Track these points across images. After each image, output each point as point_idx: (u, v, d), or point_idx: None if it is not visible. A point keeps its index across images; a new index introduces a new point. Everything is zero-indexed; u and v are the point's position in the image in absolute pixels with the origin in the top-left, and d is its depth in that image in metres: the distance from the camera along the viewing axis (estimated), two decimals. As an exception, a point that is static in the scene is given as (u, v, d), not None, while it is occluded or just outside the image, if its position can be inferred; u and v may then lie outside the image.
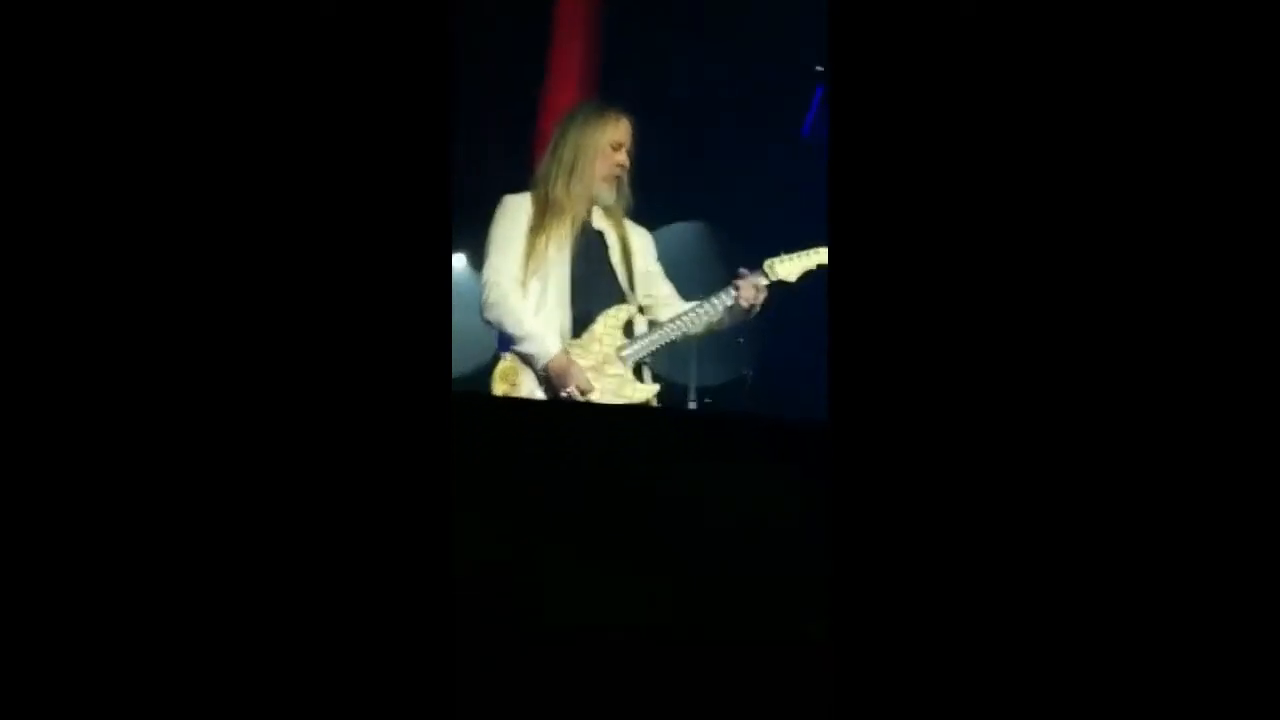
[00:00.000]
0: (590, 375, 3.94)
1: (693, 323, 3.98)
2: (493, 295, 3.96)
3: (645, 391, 4.00)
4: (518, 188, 4.11)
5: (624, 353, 3.98)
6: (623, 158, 4.00)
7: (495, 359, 4.00)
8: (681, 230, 5.35)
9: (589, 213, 4.05)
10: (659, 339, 4.00)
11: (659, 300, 4.10)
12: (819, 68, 3.58)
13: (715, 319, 3.98)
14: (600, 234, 4.07)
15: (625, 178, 4.03)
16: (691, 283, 4.54)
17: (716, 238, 5.34)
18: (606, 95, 4.61)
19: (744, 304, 3.92)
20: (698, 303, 3.99)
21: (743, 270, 3.96)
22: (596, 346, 3.97)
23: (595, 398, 3.92)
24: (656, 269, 4.15)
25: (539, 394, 3.93)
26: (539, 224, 3.97)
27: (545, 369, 3.91)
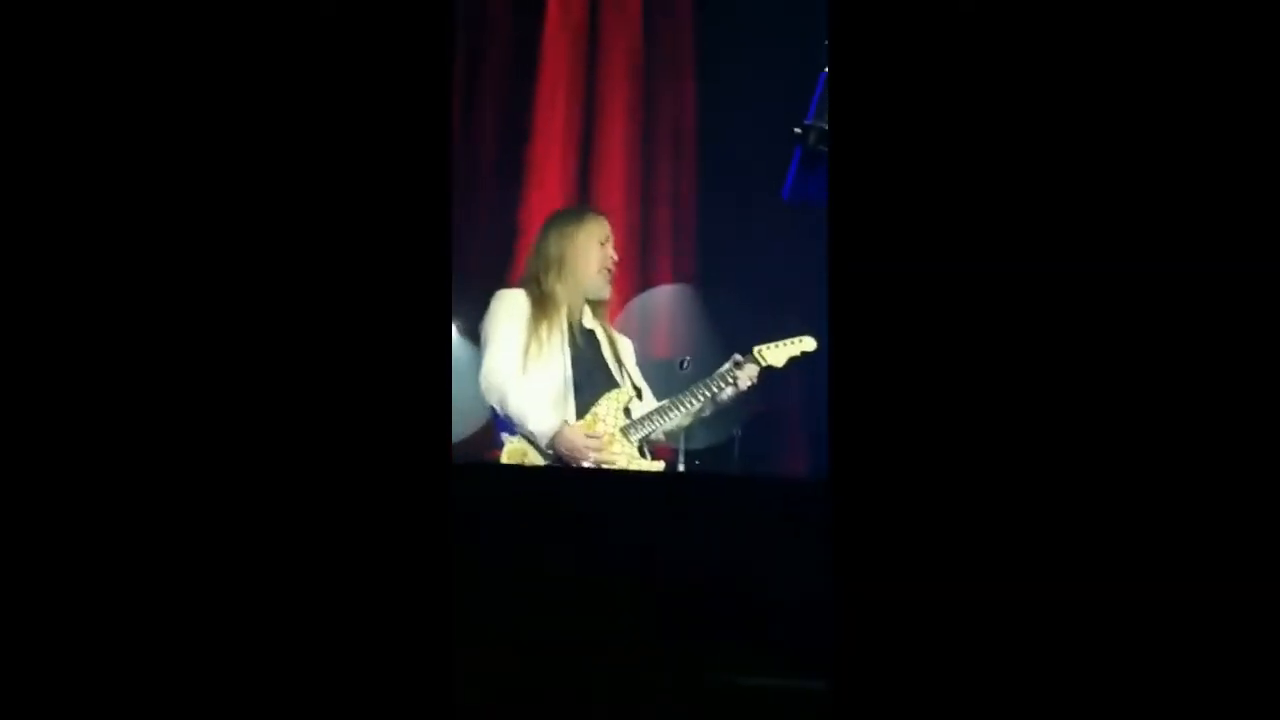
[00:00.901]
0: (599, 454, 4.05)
1: (693, 404, 4.12)
2: (494, 380, 4.08)
3: (651, 469, 4.12)
4: (499, 282, 4.28)
5: (629, 433, 4.11)
6: (611, 251, 4.23)
7: (501, 444, 4.10)
8: (663, 293, 5.51)
9: (581, 311, 4.23)
10: (663, 419, 4.13)
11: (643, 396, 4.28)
12: (797, 130, 3.64)
13: (714, 401, 4.15)
14: (591, 332, 4.26)
15: (613, 272, 4.23)
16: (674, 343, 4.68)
17: (698, 301, 5.50)
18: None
19: (742, 388, 4.12)
20: (698, 385, 4.14)
21: (737, 357, 4.15)
22: (601, 427, 4.10)
23: (602, 476, 4.03)
24: (638, 373, 4.34)
25: (551, 474, 4.04)
26: (537, 316, 4.12)
27: (553, 444, 4.02)
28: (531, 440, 4.04)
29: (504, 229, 5.47)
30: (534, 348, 4.07)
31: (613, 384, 4.19)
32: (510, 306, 4.16)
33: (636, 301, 5.36)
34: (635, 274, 5.39)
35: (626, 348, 4.34)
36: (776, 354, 4.16)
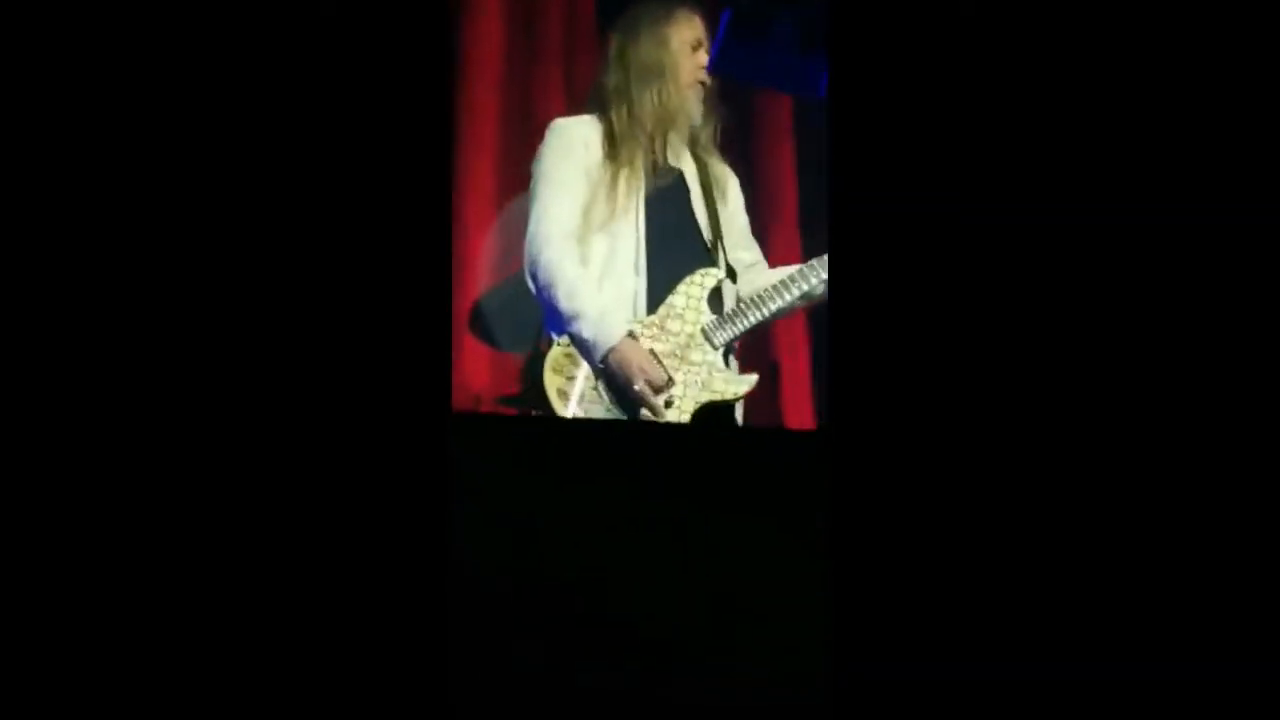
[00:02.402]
0: (670, 364, 3.00)
1: (798, 288, 3.06)
2: (544, 254, 3.00)
3: (741, 384, 3.07)
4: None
5: (712, 334, 3.05)
6: (704, 59, 3.12)
7: (547, 343, 3.02)
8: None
9: (665, 141, 3.11)
10: (760, 310, 3.06)
11: (745, 267, 3.17)
12: None
13: (821, 284, 3.07)
14: (679, 173, 3.12)
15: (710, 89, 3.12)
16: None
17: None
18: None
19: None
20: (799, 267, 3.08)
21: None
22: (677, 325, 3.02)
23: (677, 394, 2.99)
24: (744, 222, 3.23)
25: (601, 389, 2.98)
26: (609, 157, 3.03)
27: (605, 360, 2.96)
28: (583, 348, 2.98)
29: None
30: (599, 208, 2.99)
31: (700, 256, 3.08)
32: (571, 143, 3.06)
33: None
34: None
35: (732, 189, 3.21)
36: None
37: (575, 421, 2.96)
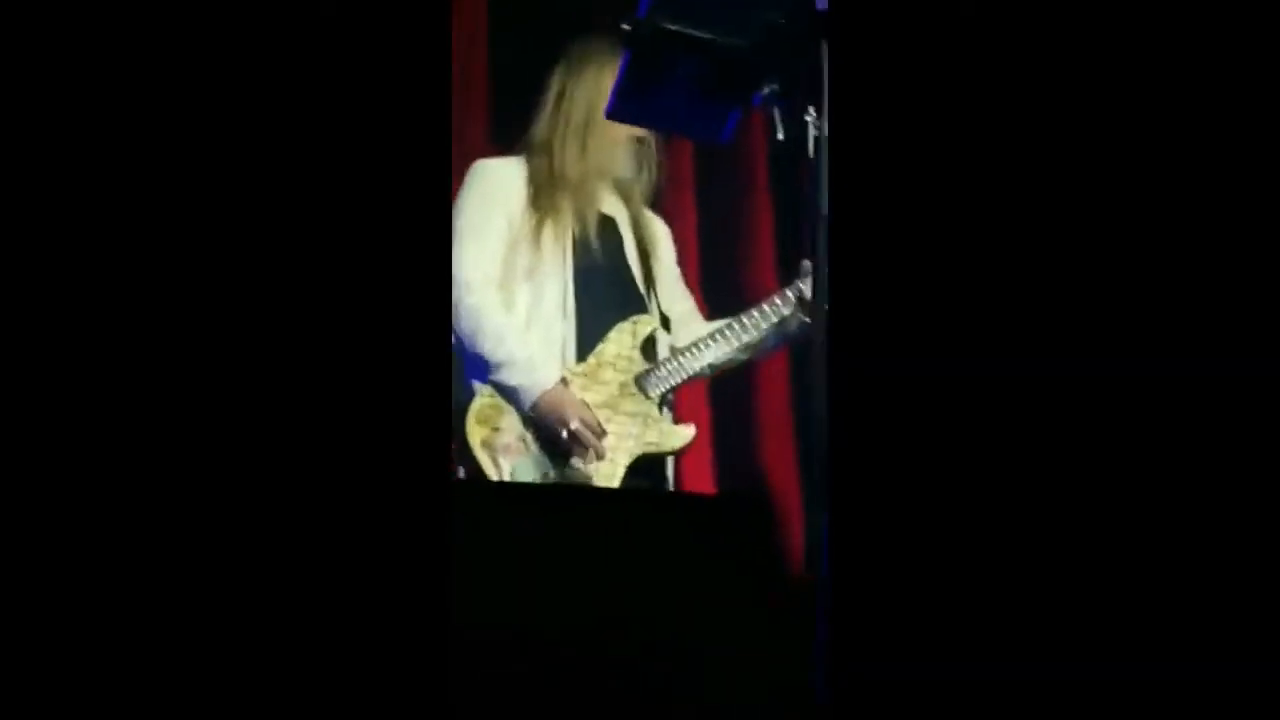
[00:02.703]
0: (603, 415, 2.83)
1: (738, 339, 2.90)
2: (466, 300, 2.83)
3: (678, 436, 2.91)
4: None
5: (646, 382, 2.88)
6: None
7: (469, 394, 2.83)
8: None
9: (598, 191, 2.96)
10: (697, 360, 2.90)
11: (679, 317, 3.03)
12: (625, 25, 2.78)
13: (762, 336, 2.92)
14: (610, 221, 2.97)
15: (650, 145, 2.95)
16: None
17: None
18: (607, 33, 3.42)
19: (806, 316, 2.82)
20: (740, 316, 2.92)
21: (806, 263, 2.81)
22: (609, 374, 2.87)
23: (610, 445, 2.81)
24: (677, 274, 3.09)
25: (529, 440, 2.79)
26: (535, 204, 2.89)
27: (535, 406, 2.79)
28: (510, 396, 2.81)
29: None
30: (523, 255, 2.85)
31: (633, 305, 2.93)
32: (491, 188, 2.89)
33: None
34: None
35: (661, 242, 3.07)
36: None
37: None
